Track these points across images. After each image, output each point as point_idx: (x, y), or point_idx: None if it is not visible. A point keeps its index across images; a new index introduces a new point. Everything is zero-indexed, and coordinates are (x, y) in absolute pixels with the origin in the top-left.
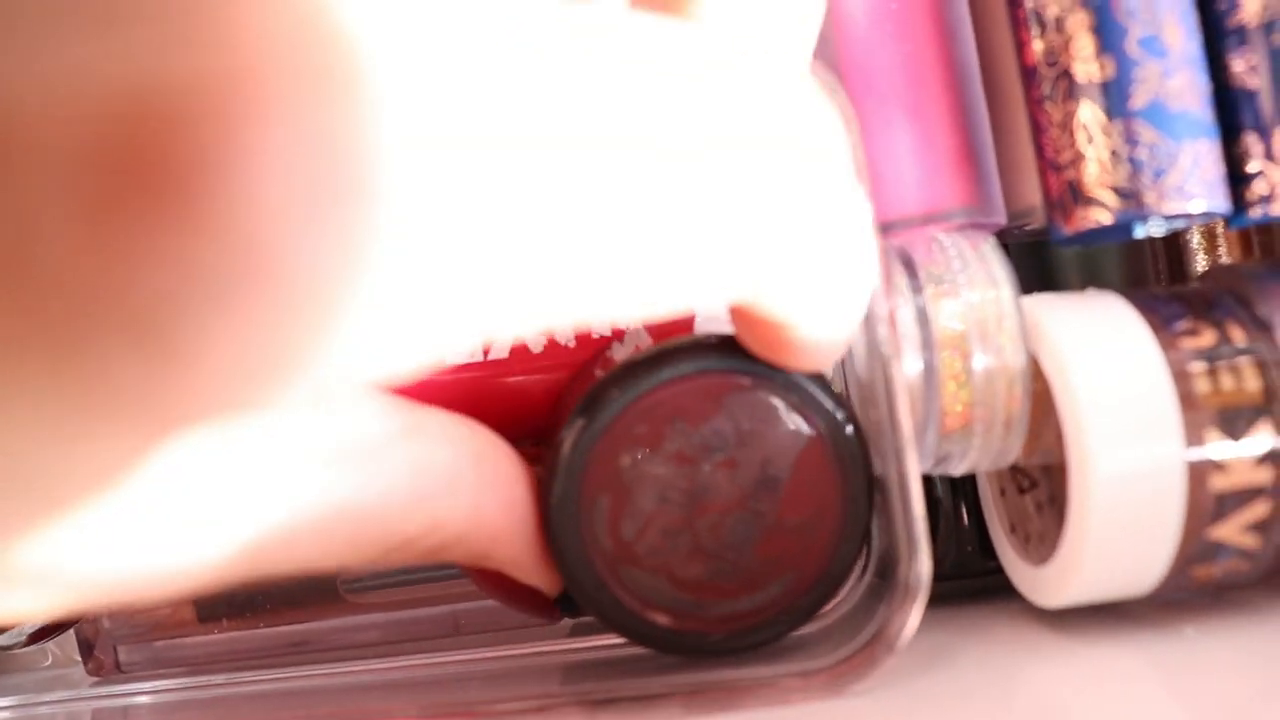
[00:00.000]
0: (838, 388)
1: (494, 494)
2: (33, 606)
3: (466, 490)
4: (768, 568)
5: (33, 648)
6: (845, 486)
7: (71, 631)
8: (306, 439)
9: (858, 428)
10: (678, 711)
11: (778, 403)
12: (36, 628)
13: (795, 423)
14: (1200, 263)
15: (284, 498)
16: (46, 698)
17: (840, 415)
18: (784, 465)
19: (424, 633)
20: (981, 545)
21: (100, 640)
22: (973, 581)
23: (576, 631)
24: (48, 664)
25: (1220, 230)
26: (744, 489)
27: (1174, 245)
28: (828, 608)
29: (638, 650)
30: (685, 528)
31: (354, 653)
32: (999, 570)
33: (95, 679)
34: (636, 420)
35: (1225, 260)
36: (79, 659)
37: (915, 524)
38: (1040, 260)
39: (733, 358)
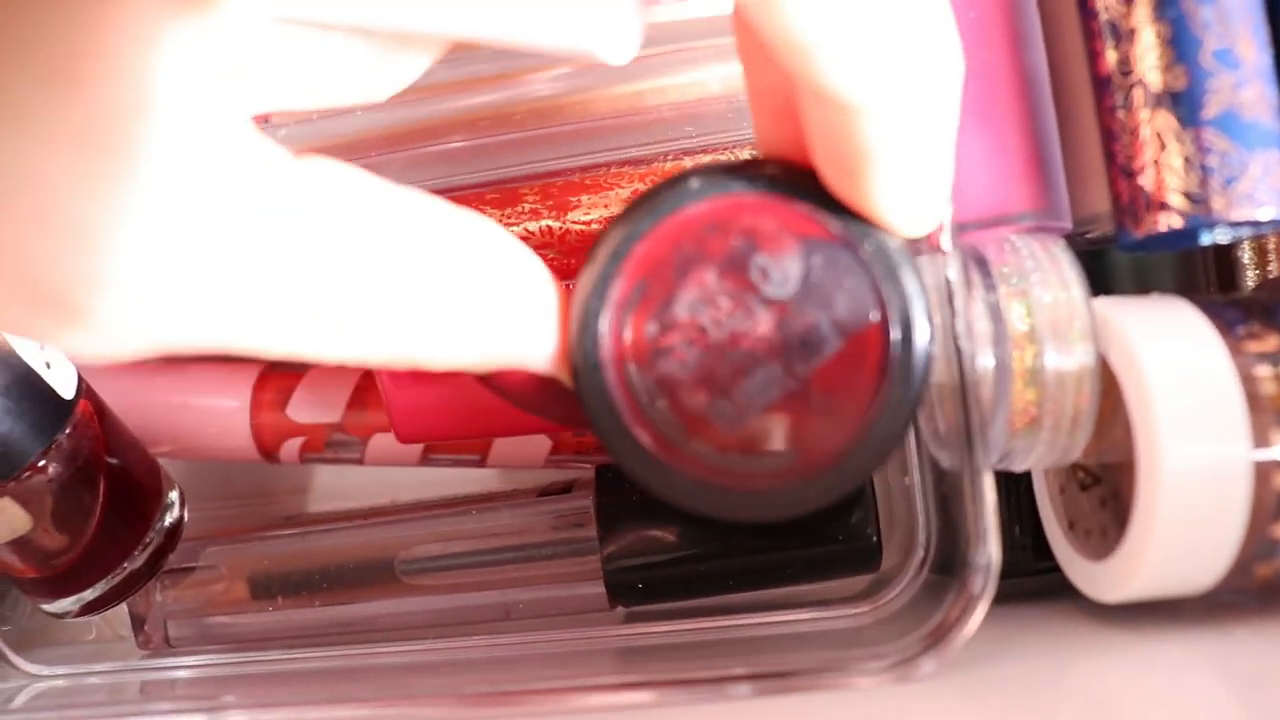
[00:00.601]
0: None
1: (508, 279)
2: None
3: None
4: (769, 435)
5: (82, 619)
6: (888, 388)
7: (123, 605)
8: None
9: (929, 334)
10: (744, 693)
11: (859, 268)
12: (89, 600)
13: (867, 297)
14: (1250, 276)
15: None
16: (97, 668)
17: (916, 309)
18: (836, 334)
19: (474, 617)
20: (1034, 545)
21: (151, 614)
22: (1024, 581)
23: (631, 619)
24: (92, 637)
25: (1272, 245)
26: (785, 340)
27: (1225, 258)
28: (878, 600)
29: (693, 636)
30: (708, 350)
31: (405, 634)
32: (1050, 570)
33: (144, 652)
34: (711, 220)
35: (1275, 274)
36: (123, 633)
37: (986, 514)
38: (1095, 267)
39: (830, 202)
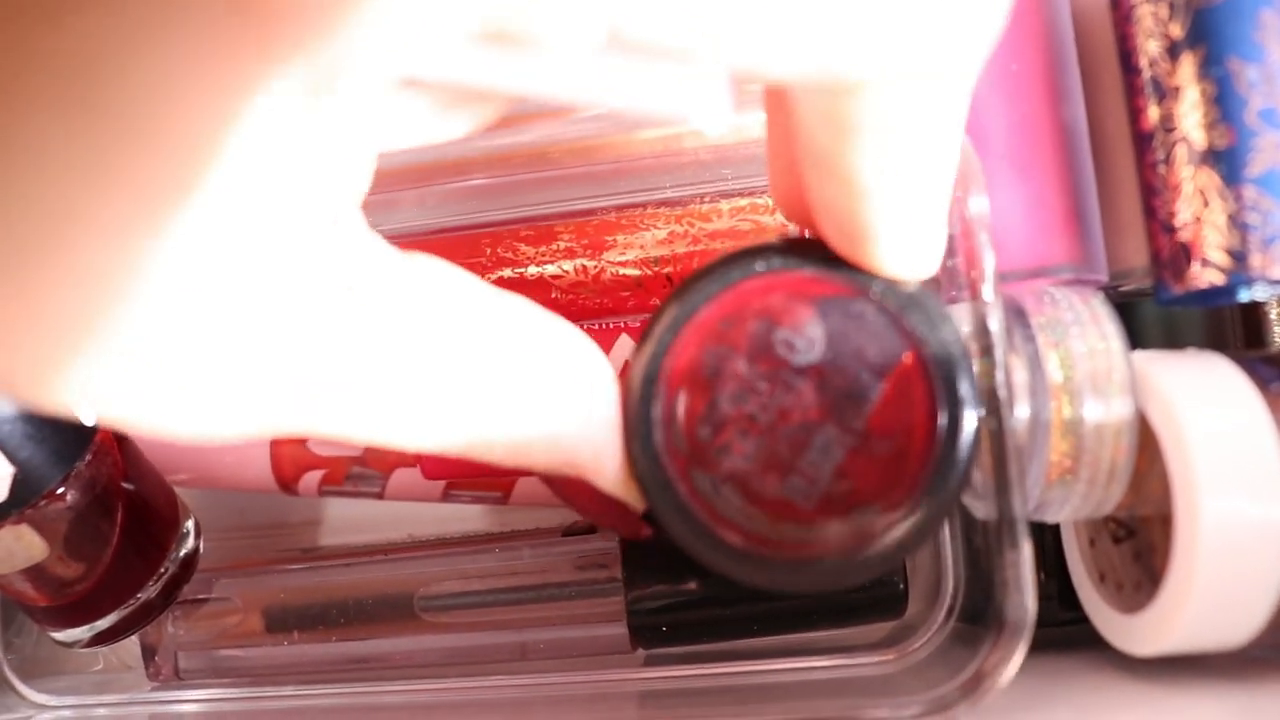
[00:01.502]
0: None
1: (605, 406)
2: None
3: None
4: (849, 493)
5: (91, 650)
6: (940, 409)
7: (133, 637)
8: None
9: (963, 349)
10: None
11: (874, 311)
12: (101, 630)
13: (891, 334)
14: (1277, 332)
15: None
16: (105, 699)
17: (942, 330)
18: (875, 379)
19: (492, 656)
20: (1061, 596)
21: (163, 645)
22: (1050, 631)
23: (651, 661)
24: (99, 668)
25: None
26: (830, 400)
27: (1252, 314)
28: (913, 642)
29: (714, 681)
30: (764, 435)
31: (420, 672)
32: (1077, 621)
33: (153, 684)
34: (724, 313)
35: None
36: (131, 665)
37: (1023, 565)
38: (1126, 320)
39: (830, 261)
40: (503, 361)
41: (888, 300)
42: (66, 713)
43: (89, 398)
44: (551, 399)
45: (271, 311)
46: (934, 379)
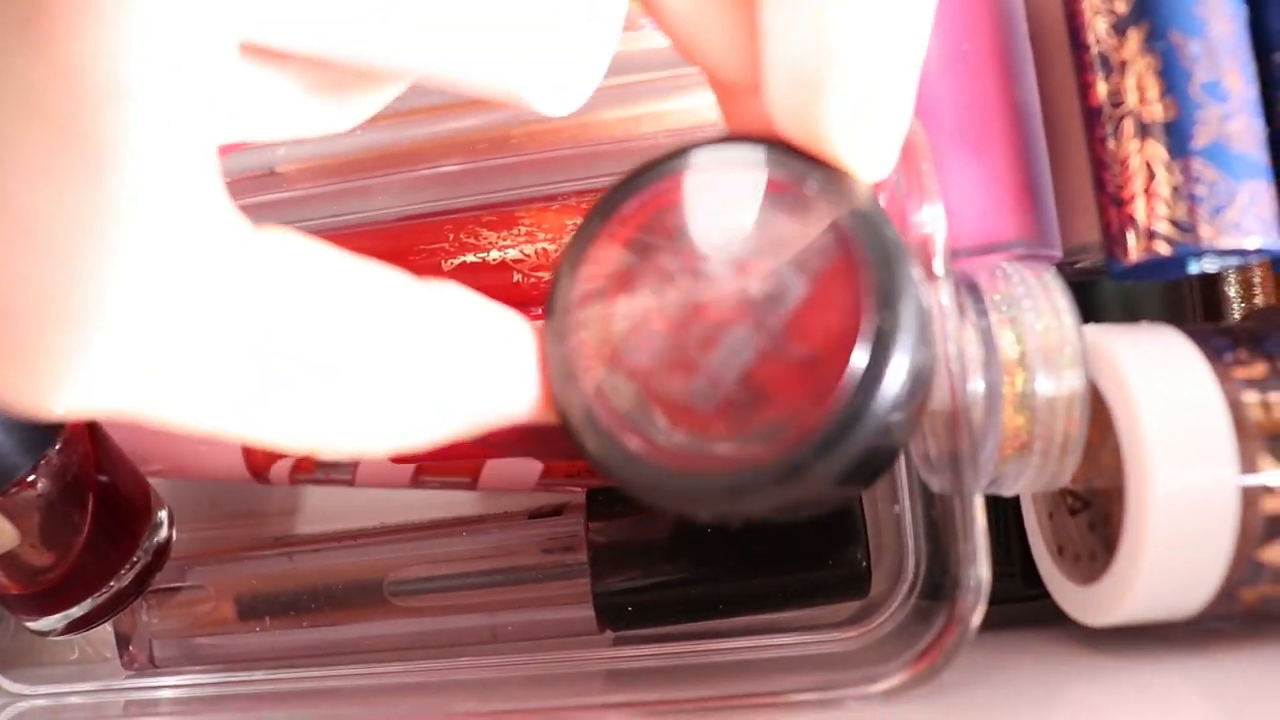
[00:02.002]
0: None
1: (506, 355)
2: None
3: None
4: (756, 401)
5: (64, 638)
6: (870, 318)
7: (108, 626)
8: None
9: (903, 253)
10: (733, 716)
11: (807, 204)
12: (75, 618)
13: (823, 232)
14: (1236, 309)
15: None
16: (81, 688)
17: (882, 230)
18: (799, 277)
19: (462, 639)
20: (1023, 573)
21: (137, 634)
22: (1013, 608)
23: (619, 643)
24: (74, 657)
25: (1257, 278)
26: (748, 296)
27: (1211, 291)
28: (868, 624)
29: (681, 660)
30: (673, 330)
31: (391, 656)
32: (1038, 597)
33: (128, 673)
34: (659, 205)
35: (1261, 306)
36: (107, 654)
37: (976, 536)
38: (1084, 297)
39: (769, 149)
40: (382, 335)
41: (823, 190)
42: (42, 701)
43: None
44: (443, 360)
45: (111, 272)
46: (868, 280)
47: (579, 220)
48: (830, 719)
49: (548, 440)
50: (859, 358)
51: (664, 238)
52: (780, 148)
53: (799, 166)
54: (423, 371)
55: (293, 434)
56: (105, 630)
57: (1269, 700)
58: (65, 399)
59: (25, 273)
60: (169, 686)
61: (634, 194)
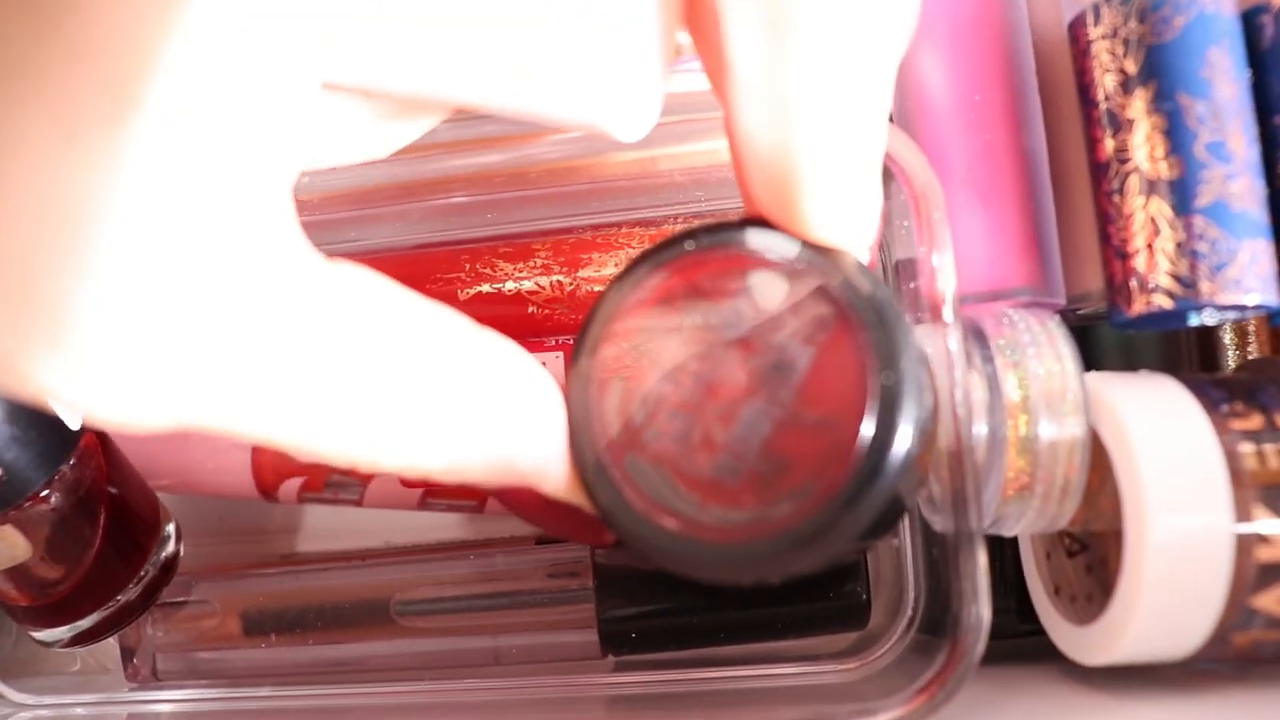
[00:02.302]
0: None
1: (540, 413)
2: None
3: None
4: (780, 470)
5: (69, 650)
6: (875, 376)
7: (113, 639)
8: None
9: (898, 312)
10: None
11: (801, 278)
12: (82, 630)
13: (819, 302)
14: (1231, 356)
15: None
16: (83, 698)
17: (875, 291)
18: (804, 348)
19: (465, 661)
20: (1020, 610)
21: (141, 647)
22: (1008, 643)
23: (620, 668)
24: (76, 668)
25: (1251, 329)
26: (758, 371)
27: (1207, 338)
28: (870, 655)
29: (681, 687)
30: (692, 414)
31: (395, 676)
32: (1034, 633)
33: (131, 685)
34: (657, 296)
35: (1254, 356)
36: (110, 666)
37: (978, 574)
38: (1084, 343)
39: (758, 231)
40: (430, 371)
41: (812, 263)
42: (45, 712)
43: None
44: (482, 409)
45: (194, 294)
46: (868, 341)
47: (593, 300)
48: None
49: (564, 519)
50: (870, 416)
51: (670, 324)
52: (769, 228)
53: (789, 246)
54: (465, 413)
55: (335, 450)
56: (109, 643)
57: None
58: (130, 412)
59: (98, 297)
60: (171, 700)
61: (636, 287)
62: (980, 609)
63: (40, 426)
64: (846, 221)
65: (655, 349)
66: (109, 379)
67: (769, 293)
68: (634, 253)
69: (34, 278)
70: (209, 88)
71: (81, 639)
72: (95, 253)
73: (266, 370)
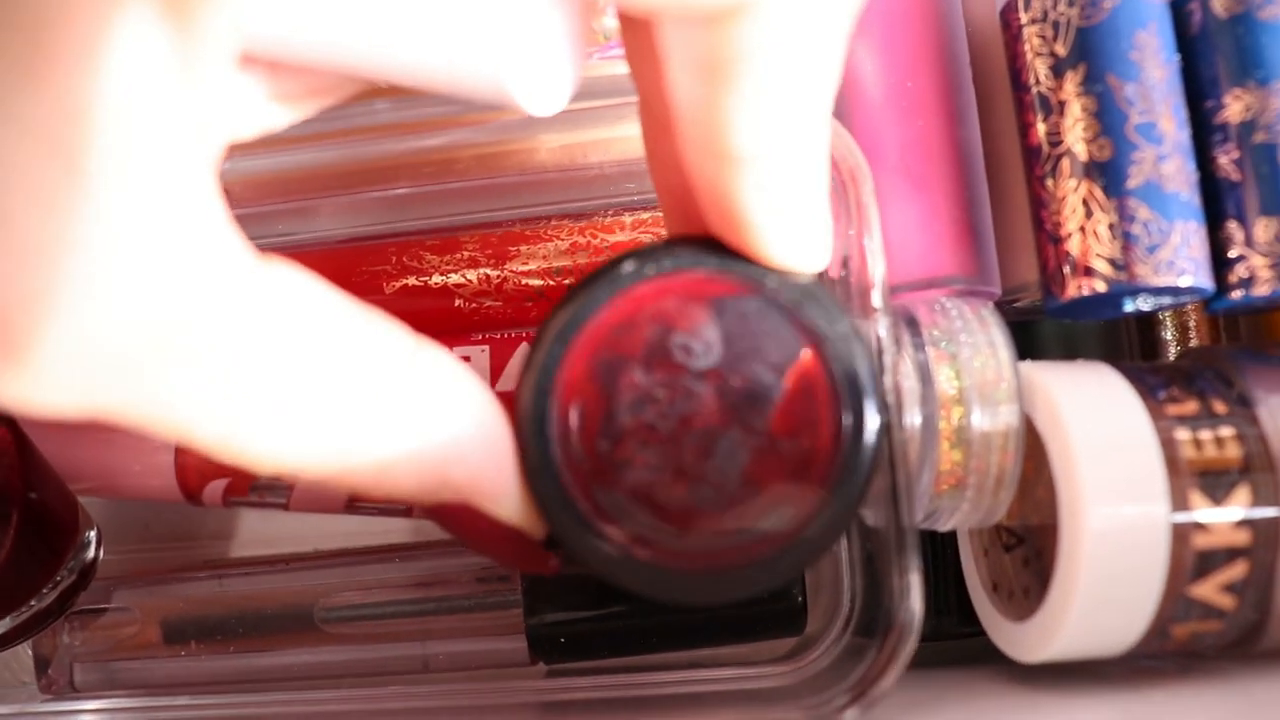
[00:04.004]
0: None
1: (475, 424)
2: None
3: (465, 417)
4: (758, 495)
5: None
6: (843, 401)
7: (26, 648)
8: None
9: (862, 343)
10: None
11: (769, 308)
12: None
13: (788, 330)
14: (1172, 351)
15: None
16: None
17: (839, 324)
18: (775, 378)
19: (393, 668)
20: (959, 610)
21: (57, 656)
22: (949, 646)
23: (553, 675)
24: None
25: (1192, 322)
26: (731, 403)
27: (1148, 334)
28: (816, 649)
29: (614, 692)
30: (666, 444)
31: (320, 684)
32: (973, 634)
33: (46, 697)
34: (616, 319)
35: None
36: (25, 679)
37: (910, 568)
38: (1023, 337)
39: (719, 257)
40: (360, 376)
41: (782, 294)
42: None
43: None
44: (413, 417)
45: (115, 277)
46: (834, 372)
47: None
48: None
49: (512, 544)
50: (843, 432)
51: (635, 353)
52: (716, 248)
53: (755, 272)
54: (394, 422)
55: (254, 454)
56: (22, 653)
57: None
58: (45, 394)
59: (21, 281)
60: (89, 711)
61: (589, 316)
62: (913, 604)
63: None
64: (799, 248)
65: (618, 375)
66: (16, 356)
67: (734, 318)
68: (562, 246)
69: None
70: (124, 62)
71: None
72: (10, 227)
73: (187, 365)
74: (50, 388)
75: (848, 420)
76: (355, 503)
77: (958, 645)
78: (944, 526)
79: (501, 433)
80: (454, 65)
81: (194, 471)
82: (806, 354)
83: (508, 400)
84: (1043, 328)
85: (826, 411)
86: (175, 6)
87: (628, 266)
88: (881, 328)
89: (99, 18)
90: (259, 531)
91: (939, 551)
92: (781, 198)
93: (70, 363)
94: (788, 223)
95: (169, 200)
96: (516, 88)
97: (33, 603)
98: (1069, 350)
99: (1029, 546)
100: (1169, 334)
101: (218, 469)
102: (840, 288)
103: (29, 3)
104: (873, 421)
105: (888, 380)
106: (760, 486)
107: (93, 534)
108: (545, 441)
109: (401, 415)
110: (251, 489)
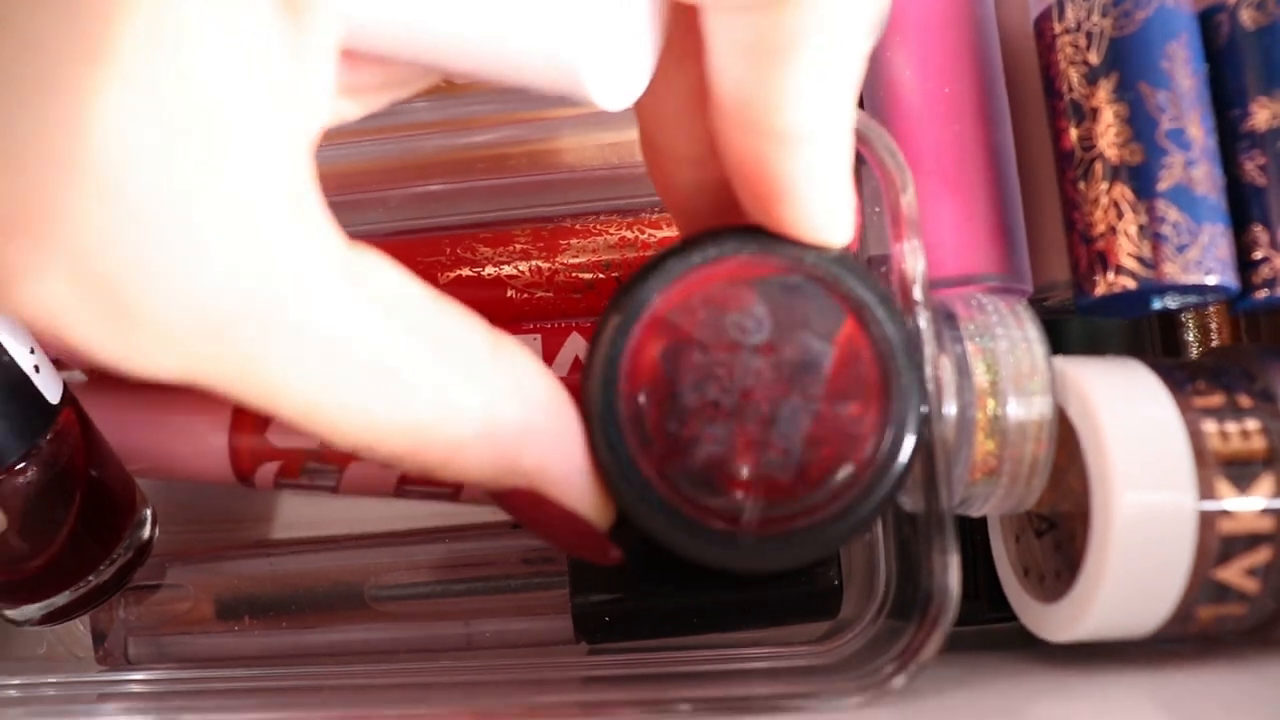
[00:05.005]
0: None
1: (547, 412)
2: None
3: (538, 410)
4: (823, 457)
5: (38, 629)
6: (888, 362)
7: (83, 623)
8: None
9: (895, 306)
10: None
11: (810, 283)
12: (54, 608)
13: (829, 302)
14: (1194, 351)
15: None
16: (53, 679)
17: (874, 290)
18: (824, 345)
19: (439, 645)
20: (989, 596)
21: (113, 630)
22: (979, 633)
23: (595, 653)
24: (42, 651)
25: (1213, 323)
26: (787, 373)
27: (1170, 333)
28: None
29: (655, 669)
30: (731, 418)
31: (365, 660)
32: (1003, 619)
33: (101, 669)
34: (670, 307)
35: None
36: (79, 653)
37: (948, 550)
38: (1051, 335)
39: (762, 241)
40: (439, 360)
41: (819, 269)
42: (12, 692)
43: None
44: (488, 402)
45: (221, 254)
46: (874, 334)
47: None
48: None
49: (579, 531)
50: (894, 387)
51: (692, 336)
52: (753, 233)
53: (791, 250)
54: (468, 405)
55: (331, 428)
56: (77, 630)
57: (1220, 712)
58: (146, 356)
59: (133, 247)
60: (142, 681)
61: (646, 307)
62: (950, 584)
63: (20, 399)
64: (835, 221)
65: (679, 359)
66: (124, 318)
67: (779, 295)
68: (611, 240)
69: (58, 214)
70: (241, 48)
71: (52, 617)
72: (123, 196)
73: (280, 338)
74: (151, 350)
75: (896, 365)
76: (404, 486)
77: (985, 634)
78: (977, 512)
79: (571, 421)
80: (531, 58)
81: (247, 454)
82: (848, 321)
83: (569, 387)
84: (1070, 327)
85: (873, 370)
86: (290, 5)
87: (677, 258)
88: (922, 320)
89: (222, 4)
90: (302, 515)
91: (968, 539)
92: (823, 172)
93: (173, 327)
94: (826, 196)
95: (274, 180)
96: (593, 83)
97: (91, 578)
98: (1094, 349)
99: (1060, 532)
100: (1191, 335)
101: (270, 451)
102: (885, 282)
103: None
104: (916, 362)
105: (928, 374)
106: (822, 447)
107: (149, 512)
108: (617, 431)
109: (477, 399)
110: (302, 472)
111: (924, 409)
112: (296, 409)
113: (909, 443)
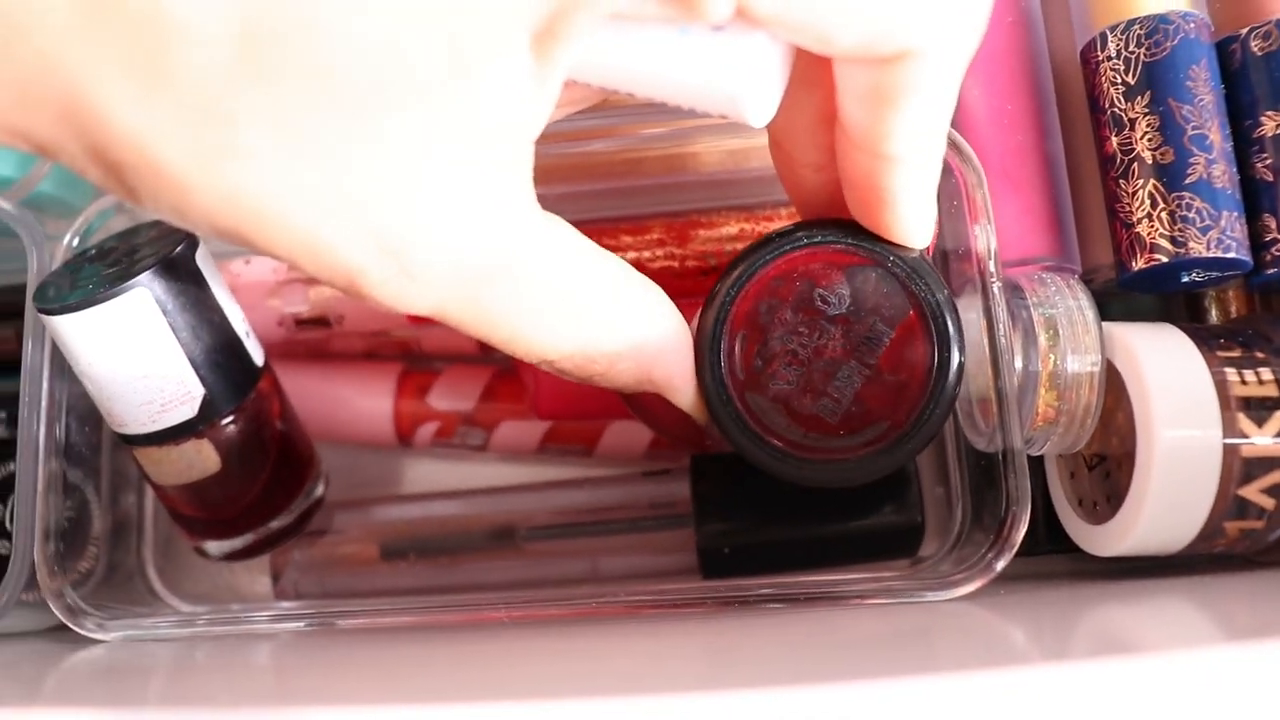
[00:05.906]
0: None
1: (674, 340)
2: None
3: (667, 323)
4: (865, 412)
5: (227, 563)
6: (934, 353)
7: (263, 565)
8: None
9: (953, 310)
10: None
11: (889, 277)
12: (242, 546)
13: (900, 295)
14: (1212, 316)
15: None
16: (234, 608)
17: (938, 294)
18: (887, 328)
19: (566, 576)
20: (1049, 531)
21: (287, 570)
22: (1036, 561)
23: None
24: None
25: (1232, 301)
26: (853, 343)
27: (1195, 308)
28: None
29: (767, 591)
30: (803, 367)
31: (509, 595)
32: (1059, 551)
33: (280, 600)
34: (776, 274)
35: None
36: (244, 595)
37: (1020, 473)
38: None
39: (858, 236)
40: (606, 298)
41: (897, 267)
42: (203, 621)
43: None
44: (637, 329)
45: (480, 220)
46: (931, 329)
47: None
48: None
49: (685, 427)
50: (934, 370)
51: (788, 299)
52: (853, 229)
53: (882, 248)
54: (625, 331)
55: (537, 348)
56: (245, 576)
57: (1245, 608)
58: (414, 297)
59: (417, 215)
60: (309, 613)
61: (757, 270)
62: (1024, 505)
63: (235, 360)
64: (920, 229)
65: (774, 314)
66: (407, 271)
67: (862, 281)
68: (732, 231)
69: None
70: (505, 76)
71: (240, 554)
72: (407, 176)
73: (503, 283)
74: (419, 293)
75: (936, 361)
76: (545, 444)
77: (1046, 561)
78: (1038, 451)
79: (689, 348)
80: (704, 90)
81: (408, 417)
82: (911, 314)
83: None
84: (1111, 308)
85: (922, 356)
86: (543, 49)
87: (786, 237)
88: (996, 291)
89: (494, 44)
90: (444, 480)
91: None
92: (916, 189)
93: (439, 278)
94: (916, 208)
95: (514, 171)
96: (750, 110)
97: (274, 522)
98: (1131, 320)
99: (1109, 464)
100: (1213, 311)
101: (429, 414)
102: (965, 259)
103: (445, 30)
104: (955, 365)
105: (1000, 335)
106: (867, 405)
107: (323, 468)
108: (717, 356)
109: (629, 327)
110: (456, 433)
111: (957, 390)
112: (503, 336)
113: (937, 419)
